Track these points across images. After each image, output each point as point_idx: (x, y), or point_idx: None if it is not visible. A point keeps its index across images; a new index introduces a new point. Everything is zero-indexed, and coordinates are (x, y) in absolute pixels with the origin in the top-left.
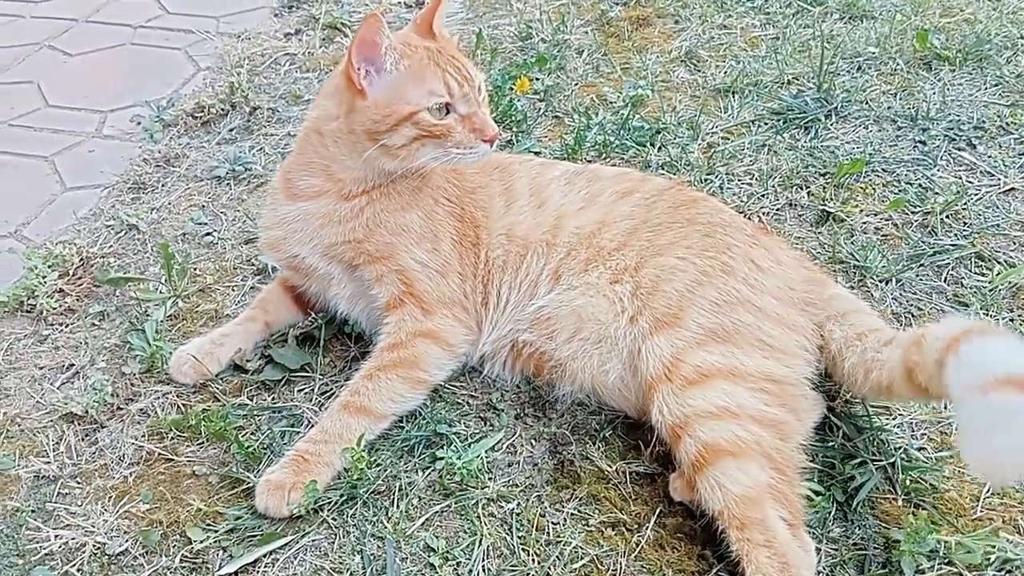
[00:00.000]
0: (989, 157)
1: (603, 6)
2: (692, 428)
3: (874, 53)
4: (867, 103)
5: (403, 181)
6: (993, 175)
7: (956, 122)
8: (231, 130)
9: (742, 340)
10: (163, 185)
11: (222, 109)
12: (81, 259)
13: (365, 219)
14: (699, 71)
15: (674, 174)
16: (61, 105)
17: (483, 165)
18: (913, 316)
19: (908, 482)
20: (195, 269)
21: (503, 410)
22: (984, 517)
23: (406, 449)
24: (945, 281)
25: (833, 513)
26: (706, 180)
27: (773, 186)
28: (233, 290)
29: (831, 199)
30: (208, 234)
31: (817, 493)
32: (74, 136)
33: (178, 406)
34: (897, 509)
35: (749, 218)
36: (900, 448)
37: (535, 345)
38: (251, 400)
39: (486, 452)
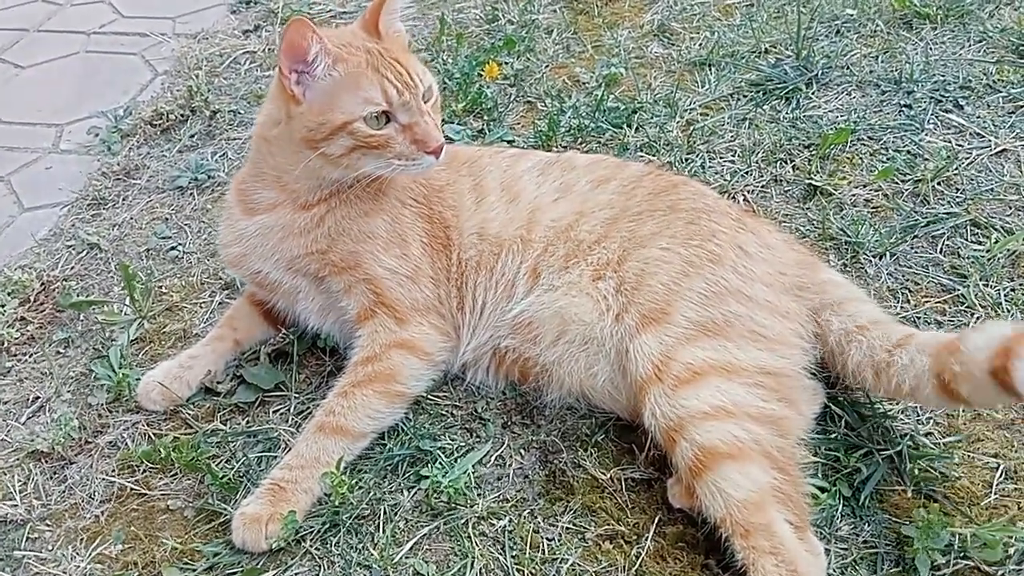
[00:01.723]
0: (978, 118)
1: None
2: (687, 431)
3: (852, 15)
4: (848, 68)
5: (363, 185)
6: (983, 136)
7: (941, 83)
8: (192, 136)
9: (734, 332)
10: (124, 199)
11: (182, 115)
12: (42, 284)
13: (327, 228)
14: (673, 45)
15: (653, 155)
16: (15, 121)
17: (450, 161)
18: (910, 291)
19: (917, 471)
20: (160, 287)
21: (489, 420)
22: (999, 505)
23: (389, 468)
24: (941, 252)
25: (840, 510)
26: (687, 160)
27: (756, 162)
28: (201, 307)
29: (817, 172)
30: (173, 248)
31: (822, 489)
32: (30, 153)
33: (149, 436)
34: (907, 501)
35: (733, 198)
36: (906, 435)
37: (518, 351)
38: (224, 425)
39: (473, 467)
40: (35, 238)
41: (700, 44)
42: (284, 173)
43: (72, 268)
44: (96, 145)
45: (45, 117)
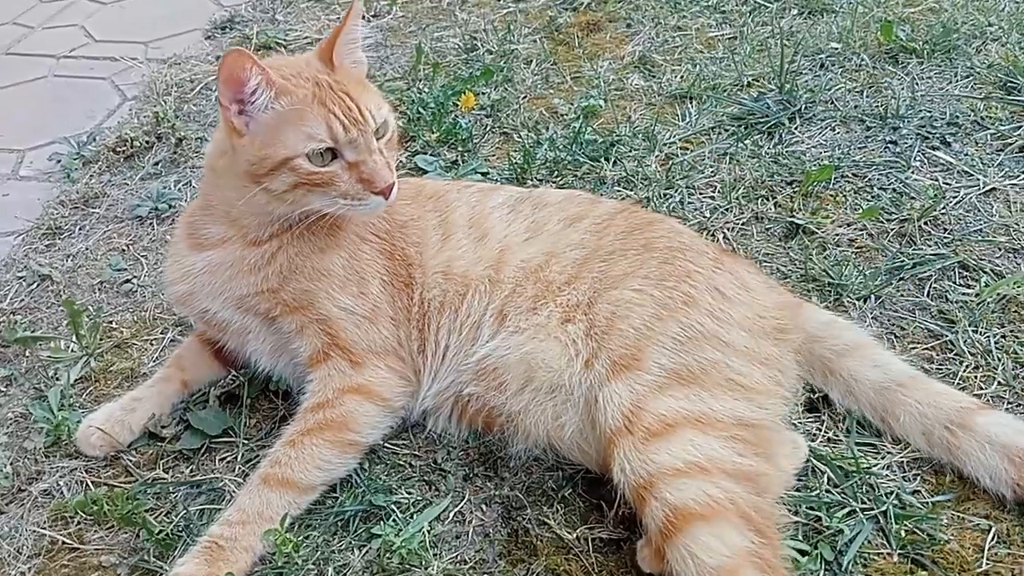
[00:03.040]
0: (966, 155)
1: (551, 12)
2: (658, 488)
3: (837, 49)
4: (832, 103)
5: (315, 221)
6: (971, 175)
7: (928, 119)
8: (156, 164)
9: (709, 381)
10: (81, 229)
11: (147, 141)
12: None
13: (278, 266)
14: (654, 77)
15: (631, 190)
16: None
17: (415, 195)
18: (896, 336)
19: (903, 533)
20: (111, 323)
21: (450, 471)
22: (991, 571)
23: (340, 524)
24: (928, 296)
25: (822, 575)
26: (665, 195)
27: (737, 198)
28: (152, 344)
29: (800, 210)
30: (127, 281)
31: (803, 552)
32: None
33: (87, 483)
34: (893, 567)
35: (713, 235)
36: (892, 493)
37: (482, 399)
38: (167, 473)
39: (430, 523)
40: None
41: (681, 76)
42: (231, 207)
43: (21, 301)
44: (56, 172)
45: (7, 143)
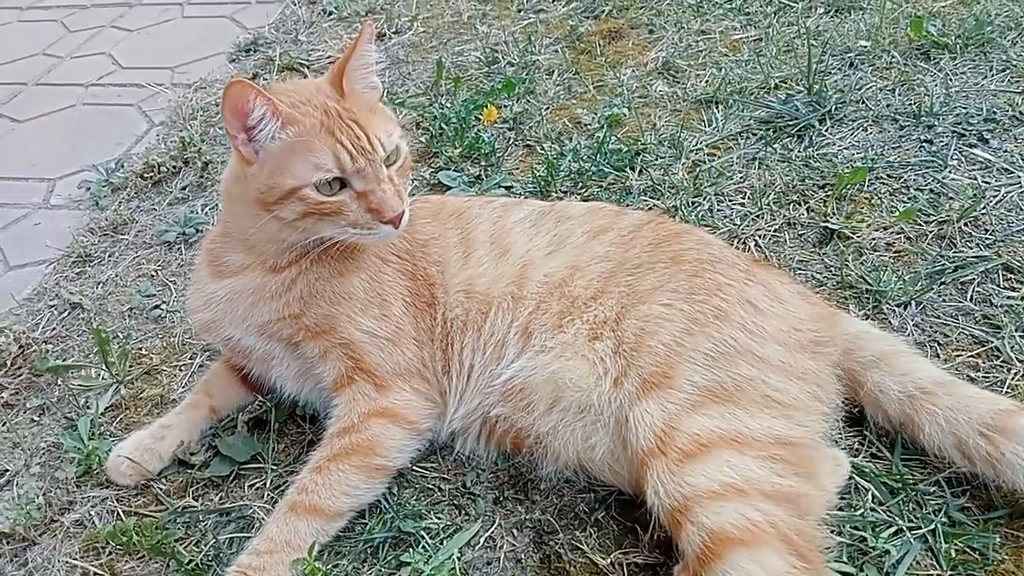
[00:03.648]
0: (1005, 152)
1: (572, 22)
2: (694, 512)
3: (866, 47)
4: (863, 102)
5: (334, 245)
6: (1012, 172)
7: (964, 116)
8: (183, 188)
9: (744, 398)
10: (110, 255)
11: (174, 166)
12: (20, 347)
13: (299, 291)
14: (678, 83)
15: (658, 199)
16: (8, 176)
17: (436, 213)
18: (939, 344)
19: (953, 553)
20: (140, 349)
21: (479, 495)
22: None
23: (369, 551)
24: (971, 300)
25: None
26: (693, 204)
27: (768, 204)
28: (181, 370)
29: (833, 214)
30: (156, 307)
31: (848, 575)
32: (20, 209)
33: (118, 513)
34: None
35: (744, 243)
36: (940, 510)
37: (510, 420)
38: (196, 501)
39: (460, 550)
40: (16, 298)
41: (706, 81)
42: (248, 234)
43: (53, 329)
44: (86, 199)
45: (38, 172)
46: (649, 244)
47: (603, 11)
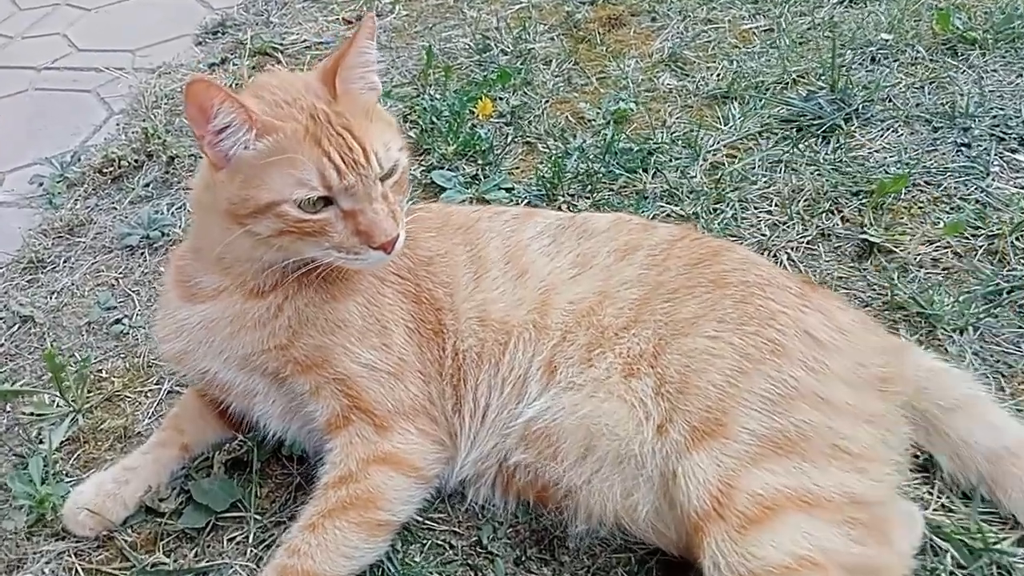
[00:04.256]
0: None
1: (567, 7)
2: None
3: (888, 40)
4: (891, 101)
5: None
6: None
7: (1002, 117)
8: (146, 185)
9: (810, 449)
10: (65, 261)
11: (136, 160)
12: None
13: (286, 319)
14: (687, 76)
15: (675, 205)
16: None
17: (441, 225)
18: (1003, 376)
19: None
20: (100, 371)
21: (498, 553)
22: None
23: None
24: None
25: None
26: (715, 210)
27: (799, 212)
28: (146, 397)
29: (871, 224)
30: (117, 321)
31: None
32: None
33: (76, 570)
34: None
35: (775, 256)
36: None
37: (532, 469)
38: (168, 556)
39: None
40: None
41: (718, 75)
42: (223, 249)
43: (1, 346)
44: (38, 196)
45: None
46: (685, 264)
47: None
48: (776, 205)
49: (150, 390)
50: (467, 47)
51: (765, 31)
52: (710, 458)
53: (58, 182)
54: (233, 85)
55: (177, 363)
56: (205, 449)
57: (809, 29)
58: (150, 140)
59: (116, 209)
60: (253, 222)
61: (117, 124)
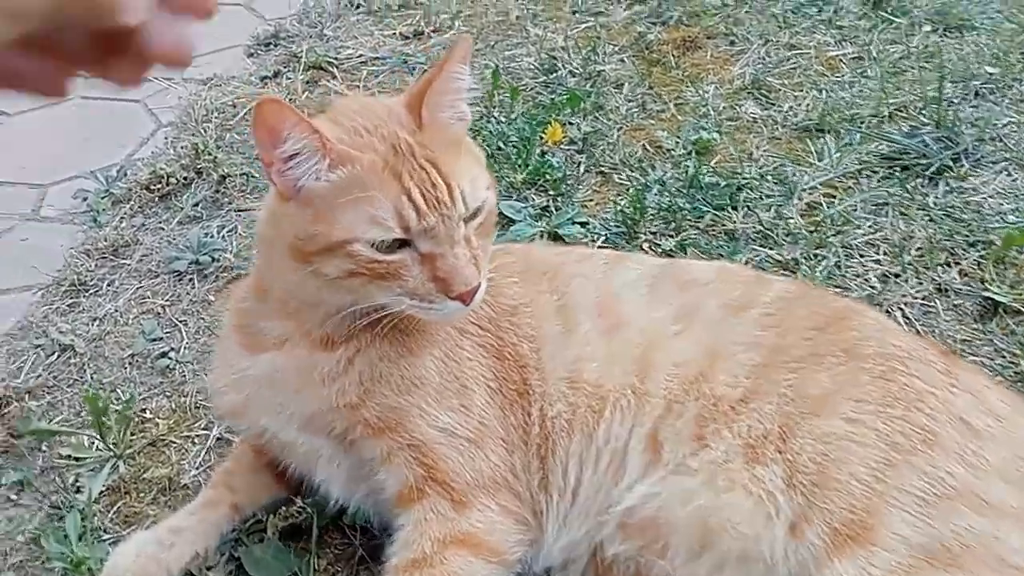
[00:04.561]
0: None
1: (639, 28)
2: None
3: (992, 74)
4: (1001, 140)
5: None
6: None
7: None
8: (196, 205)
9: (975, 562)
10: (109, 284)
11: (185, 178)
12: None
13: (357, 375)
14: (773, 104)
15: (770, 249)
16: None
17: (524, 268)
18: None
19: None
20: (143, 411)
21: None
22: None
23: None
24: None
25: None
26: (816, 256)
27: (911, 264)
28: (193, 443)
29: (993, 281)
30: (163, 355)
31: None
32: (5, 220)
33: None
34: None
35: (888, 313)
36: None
37: (634, 563)
38: None
39: None
40: None
41: (807, 105)
42: (288, 294)
43: (38, 376)
44: (82, 212)
45: (28, 176)
46: (810, 327)
47: (671, 17)
48: (885, 254)
49: (197, 435)
50: (532, 67)
51: (853, 59)
52: (857, 568)
53: (103, 198)
54: (288, 100)
55: (234, 417)
56: (258, 510)
57: (902, 59)
58: (200, 156)
59: (163, 229)
60: (320, 261)
61: (165, 138)
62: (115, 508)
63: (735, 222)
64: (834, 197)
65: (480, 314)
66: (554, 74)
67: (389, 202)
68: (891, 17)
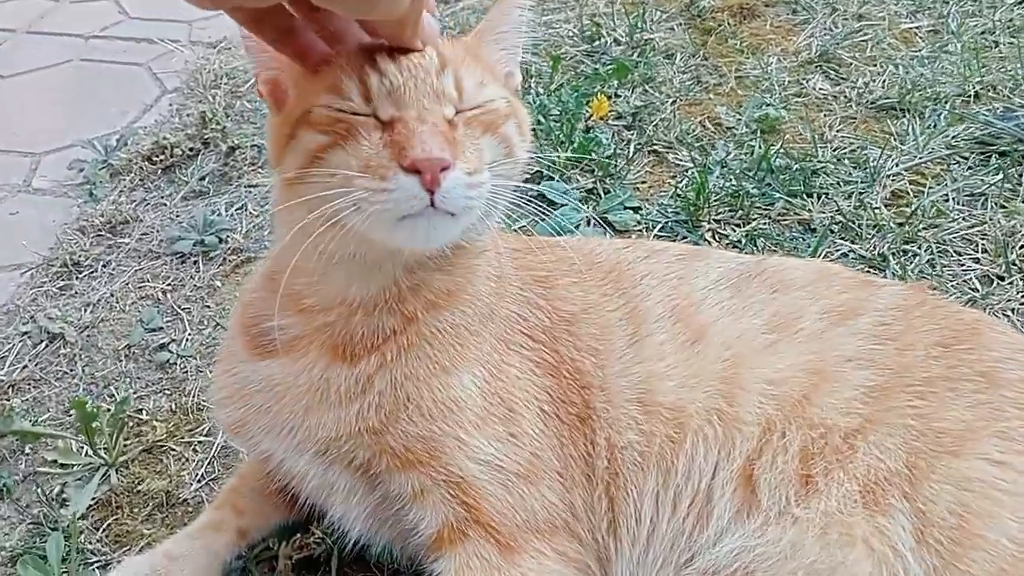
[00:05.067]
0: None
1: None
2: None
3: None
4: None
5: (435, 312)
6: None
7: None
8: (202, 179)
9: None
10: (104, 266)
11: (190, 149)
12: None
13: (376, 394)
14: (844, 79)
15: (853, 243)
16: None
17: (584, 267)
18: None
19: None
20: (139, 411)
21: None
22: None
23: None
24: None
25: None
26: (905, 253)
27: (1016, 263)
28: (195, 451)
29: None
30: (163, 347)
31: None
32: None
33: None
34: None
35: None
36: None
37: None
38: None
39: None
40: None
41: (884, 82)
42: (300, 275)
43: (24, 367)
44: (77, 185)
45: (21, 144)
46: (935, 343)
47: None
48: (985, 252)
49: (200, 442)
50: (572, 35)
51: (930, 32)
52: None
53: (100, 169)
54: None
55: (236, 435)
56: (266, 536)
57: (984, 33)
58: (207, 125)
59: (165, 205)
60: (288, 157)
61: (170, 104)
62: (105, 525)
63: (810, 211)
64: (922, 185)
65: (530, 320)
66: (597, 42)
67: (354, 72)
68: None
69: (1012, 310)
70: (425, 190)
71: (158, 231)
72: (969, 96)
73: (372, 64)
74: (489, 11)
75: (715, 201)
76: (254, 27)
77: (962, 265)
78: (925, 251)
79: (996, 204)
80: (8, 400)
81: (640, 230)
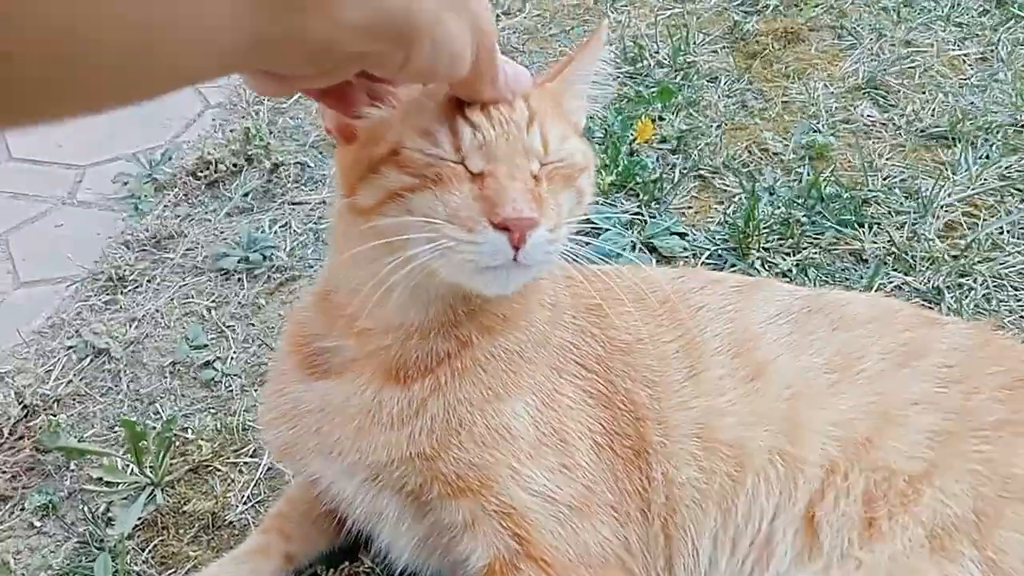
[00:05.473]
0: None
1: (733, 15)
2: None
3: None
4: None
5: (490, 338)
6: None
7: None
8: (246, 195)
9: None
10: (149, 281)
11: (234, 165)
12: (24, 407)
13: (429, 419)
14: (893, 106)
15: (906, 274)
16: (27, 158)
17: (639, 296)
18: None
19: None
20: (184, 430)
21: None
22: None
23: None
24: None
25: None
26: (960, 287)
27: None
28: (240, 472)
29: None
30: (208, 364)
31: None
32: (39, 203)
33: None
34: None
35: None
36: None
37: None
38: None
39: None
40: (24, 331)
41: (932, 109)
42: (354, 298)
43: (68, 382)
44: (122, 198)
45: (65, 156)
46: (1002, 386)
47: (767, 6)
48: None
49: (246, 463)
50: (615, 56)
51: (978, 59)
52: None
53: (145, 183)
54: None
55: (284, 456)
56: (314, 560)
57: None
58: (251, 141)
59: (210, 221)
60: (362, 189)
61: (213, 120)
62: (151, 546)
63: (862, 241)
64: (976, 217)
65: (584, 348)
66: (639, 64)
67: (445, 118)
68: (1018, 13)
69: None
70: (512, 247)
71: (202, 247)
72: (1021, 126)
73: (463, 114)
74: (576, 57)
75: (764, 229)
76: (302, 90)
77: (1019, 301)
78: (981, 285)
79: None
80: (55, 415)
81: (687, 257)
